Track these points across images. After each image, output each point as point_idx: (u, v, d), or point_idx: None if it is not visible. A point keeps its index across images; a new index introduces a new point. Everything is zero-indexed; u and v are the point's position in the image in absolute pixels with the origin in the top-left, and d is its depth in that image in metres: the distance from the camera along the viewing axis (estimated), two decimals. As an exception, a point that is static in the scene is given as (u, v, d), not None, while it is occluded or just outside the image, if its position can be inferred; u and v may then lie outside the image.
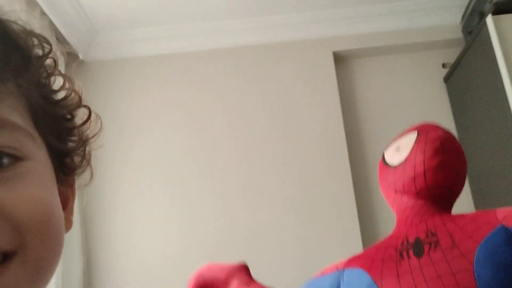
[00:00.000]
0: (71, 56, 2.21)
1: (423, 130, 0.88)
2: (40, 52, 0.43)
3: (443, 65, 2.20)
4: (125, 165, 2.09)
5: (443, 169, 0.83)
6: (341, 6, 2.22)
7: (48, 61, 0.44)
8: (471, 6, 2.03)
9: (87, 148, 0.49)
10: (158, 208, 2.05)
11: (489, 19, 1.73)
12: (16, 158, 0.35)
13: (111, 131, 2.14)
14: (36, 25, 1.72)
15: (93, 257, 1.99)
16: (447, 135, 0.88)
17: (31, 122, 0.39)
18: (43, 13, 1.89)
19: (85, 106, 0.48)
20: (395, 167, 0.88)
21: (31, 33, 0.42)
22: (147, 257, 2.00)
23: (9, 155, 0.35)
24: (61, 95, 0.46)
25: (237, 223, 2.02)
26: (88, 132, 0.49)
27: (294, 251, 1.99)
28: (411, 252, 0.79)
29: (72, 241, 1.88)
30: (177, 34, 2.25)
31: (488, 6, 1.82)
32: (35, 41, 0.42)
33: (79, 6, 2.02)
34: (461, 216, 0.82)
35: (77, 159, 0.47)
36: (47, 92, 0.43)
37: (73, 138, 0.46)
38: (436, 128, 0.90)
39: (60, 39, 2.08)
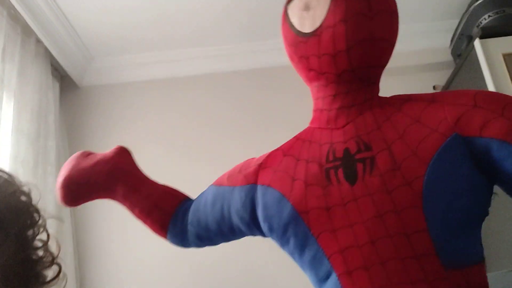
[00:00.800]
0: (66, 82, 2.23)
1: None
2: (30, 221, 0.54)
3: (434, 87, 2.24)
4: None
5: (373, 44, 0.61)
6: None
7: (35, 229, 0.54)
8: (459, 30, 2.08)
9: None
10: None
11: (477, 43, 1.77)
12: None
13: (105, 156, 2.14)
14: (32, 53, 1.72)
15: (87, 284, 1.96)
16: None
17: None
18: (38, 41, 1.91)
19: (58, 264, 0.58)
20: (305, 36, 0.63)
21: (31, 205, 0.54)
22: (141, 282, 1.98)
23: None
24: (39, 253, 0.55)
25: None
26: None
27: (289, 263, 1.97)
28: (340, 174, 0.60)
29: (65, 267, 1.86)
30: (172, 59, 2.27)
31: (475, 30, 1.86)
32: (33, 209, 0.54)
33: (74, 32, 2.05)
34: (401, 113, 0.61)
35: None
36: (26, 254, 0.52)
37: None
38: None
39: (56, 65, 2.10)
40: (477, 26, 1.93)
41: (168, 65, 2.28)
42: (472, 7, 1.99)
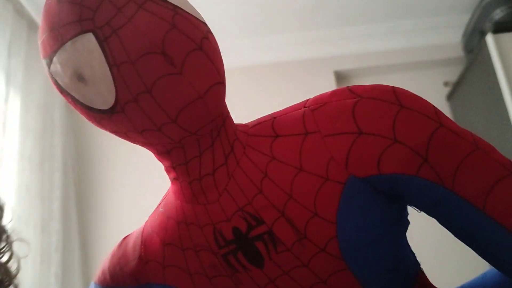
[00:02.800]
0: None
1: (98, 22, 0.42)
2: None
3: (445, 83, 2.20)
4: (123, 181, 2.08)
5: (203, 100, 0.44)
6: (342, 25, 2.23)
7: None
8: (471, 25, 2.04)
9: None
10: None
11: (489, 38, 1.73)
12: None
13: (111, 151, 2.13)
14: (38, 49, 1.71)
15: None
16: (152, 17, 0.42)
17: None
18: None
19: (15, 285, 0.59)
20: (105, 113, 0.45)
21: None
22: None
23: None
24: None
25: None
26: None
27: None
28: (242, 258, 0.49)
29: (72, 264, 1.86)
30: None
31: (488, 25, 1.82)
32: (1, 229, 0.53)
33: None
34: (276, 162, 0.48)
35: None
36: None
37: None
38: (113, 2, 0.42)
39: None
40: (489, 21, 1.89)
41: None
42: (485, 1, 1.95)
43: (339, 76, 2.28)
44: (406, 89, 0.49)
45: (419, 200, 0.47)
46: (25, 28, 1.77)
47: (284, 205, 0.47)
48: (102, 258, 2.10)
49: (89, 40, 0.42)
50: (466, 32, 2.09)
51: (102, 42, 0.42)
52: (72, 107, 0.49)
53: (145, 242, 0.56)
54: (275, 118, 0.53)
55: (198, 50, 0.44)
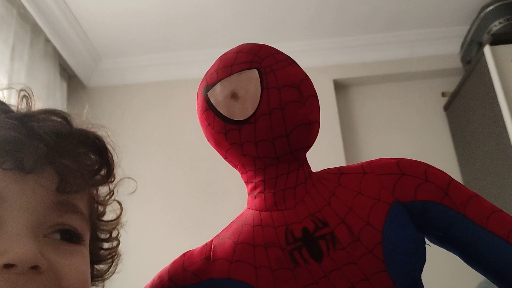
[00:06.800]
0: (74, 82, 2.24)
1: (263, 64, 0.67)
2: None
3: (443, 94, 2.22)
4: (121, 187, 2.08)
5: (309, 127, 0.65)
6: (341, 35, 2.25)
7: (111, 185, 0.63)
8: (469, 37, 2.06)
9: (112, 269, 0.64)
10: (163, 239, 2.03)
11: (487, 49, 1.75)
12: (78, 240, 0.49)
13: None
14: (41, 52, 1.73)
15: None
16: (296, 70, 0.68)
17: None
18: (47, 40, 1.92)
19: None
20: (237, 124, 0.65)
21: (114, 163, 0.61)
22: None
23: (76, 235, 0.48)
24: (109, 216, 0.62)
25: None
26: (118, 253, 0.65)
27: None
28: (305, 253, 0.62)
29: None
30: (178, 61, 2.28)
31: (486, 37, 1.85)
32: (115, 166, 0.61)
33: (83, 33, 2.06)
34: (342, 187, 0.66)
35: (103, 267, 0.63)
36: (101, 211, 0.61)
37: (103, 252, 0.62)
38: (276, 57, 0.69)
39: (64, 65, 2.11)
40: (488, 33, 1.92)
41: (174, 67, 2.29)
42: (483, 13, 1.98)
43: (338, 85, 2.29)
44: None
45: (440, 220, 0.63)
46: (29, 32, 1.79)
47: (345, 215, 0.63)
48: None
49: (253, 73, 0.66)
50: (464, 44, 2.12)
51: (262, 75, 0.65)
52: (205, 126, 0.70)
53: (214, 247, 0.69)
54: (340, 166, 0.72)
55: (314, 97, 0.67)
